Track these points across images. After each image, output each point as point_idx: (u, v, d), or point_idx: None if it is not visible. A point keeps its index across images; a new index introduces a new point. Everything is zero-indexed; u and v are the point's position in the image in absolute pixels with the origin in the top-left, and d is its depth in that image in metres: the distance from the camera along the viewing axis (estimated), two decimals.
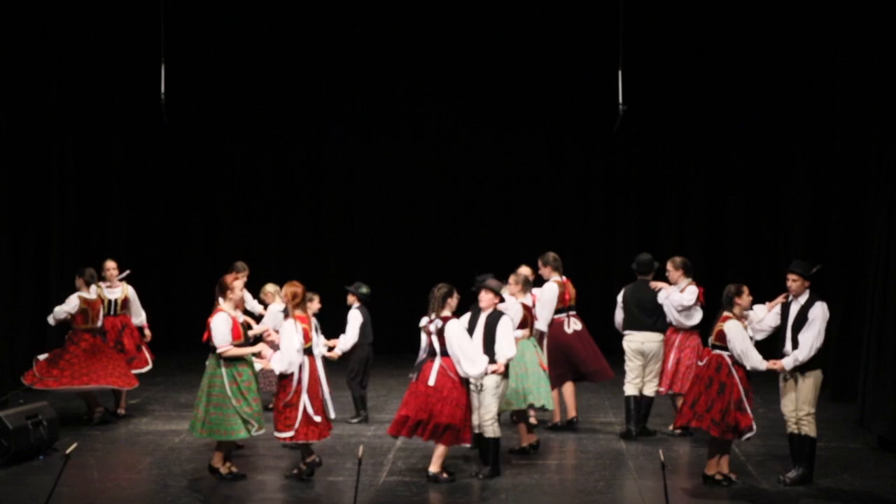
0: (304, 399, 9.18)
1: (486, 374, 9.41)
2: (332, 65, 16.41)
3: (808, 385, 9.36)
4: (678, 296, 11.07)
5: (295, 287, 9.37)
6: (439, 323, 9.36)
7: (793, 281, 9.49)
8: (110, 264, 12.11)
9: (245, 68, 16.34)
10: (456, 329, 9.32)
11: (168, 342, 16.07)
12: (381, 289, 16.12)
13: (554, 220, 16.64)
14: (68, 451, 8.03)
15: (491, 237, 16.11)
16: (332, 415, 9.66)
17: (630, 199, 16.65)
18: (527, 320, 10.64)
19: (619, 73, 12.60)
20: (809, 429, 9.39)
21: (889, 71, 11.42)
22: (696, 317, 11.14)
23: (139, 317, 12.27)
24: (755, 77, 15.35)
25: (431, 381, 9.31)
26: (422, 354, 9.51)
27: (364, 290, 11.78)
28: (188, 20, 15.01)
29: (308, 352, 9.25)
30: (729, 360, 9.32)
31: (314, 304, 11.46)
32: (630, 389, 11.18)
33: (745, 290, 9.46)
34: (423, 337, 9.53)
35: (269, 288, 11.96)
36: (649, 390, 11.21)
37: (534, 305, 11.04)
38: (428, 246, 16.32)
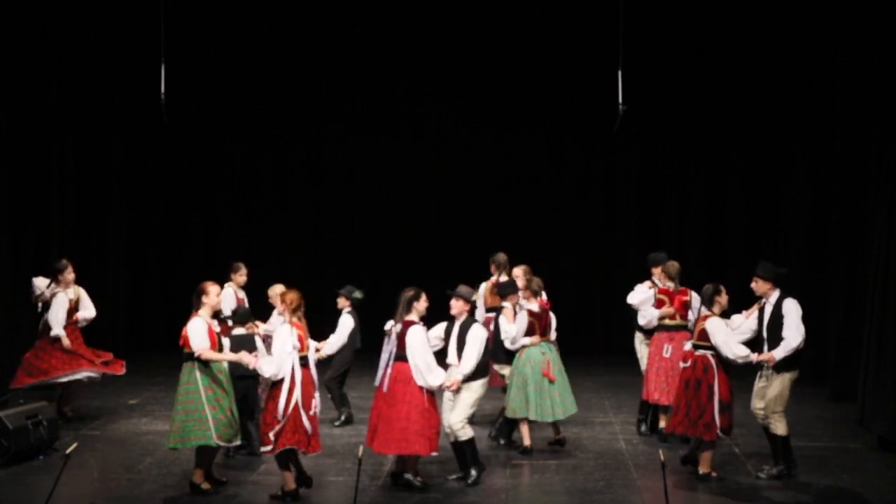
0: (299, 407, 8.85)
1: (442, 387, 9.22)
2: (332, 65, 16.42)
3: (779, 384, 9.45)
4: (637, 294, 11.22)
5: (294, 293, 9.25)
6: (399, 327, 9.27)
7: (754, 282, 9.63)
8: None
9: (245, 68, 16.35)
10: (417, 336, 9.15)
11: (167, 342, 16.04)
12: (380, 289, 16.13)
13: (554, 220, 16.65)
14: (68, 451, 8.04)
15: (491, 237, 16.03)
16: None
17: (630, 199, 16.66)
18: (534, 327, 10.56)
19: (619, 73, 12.60)
20: (777, 426, 9.49)
21: (889, 71, 11.41)
22: (645, 317, 11.09)
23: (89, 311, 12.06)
24: (755, 77, 15.35)
25: (385, 387, 9.19)
26: (383, 358, 9.33)
27: (358, 294, 11.64)
28: (188, 20, 15.01)
29: (303, 361, 9.03)
30: (713, 361, 9.38)
31: None
32: None
33: (724, 289, 9.58)
34: (386, 340, 9.38)
35: (277, 290, 11.81)
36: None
37: (545, 311, 10.87)
38: (428, 246, 16.32)
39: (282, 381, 8.88)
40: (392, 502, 8.99)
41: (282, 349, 8.92)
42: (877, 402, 10.90)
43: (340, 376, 11.77)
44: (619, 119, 12.80)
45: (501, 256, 11.74)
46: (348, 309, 11.63)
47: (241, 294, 12.32)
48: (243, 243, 16.26)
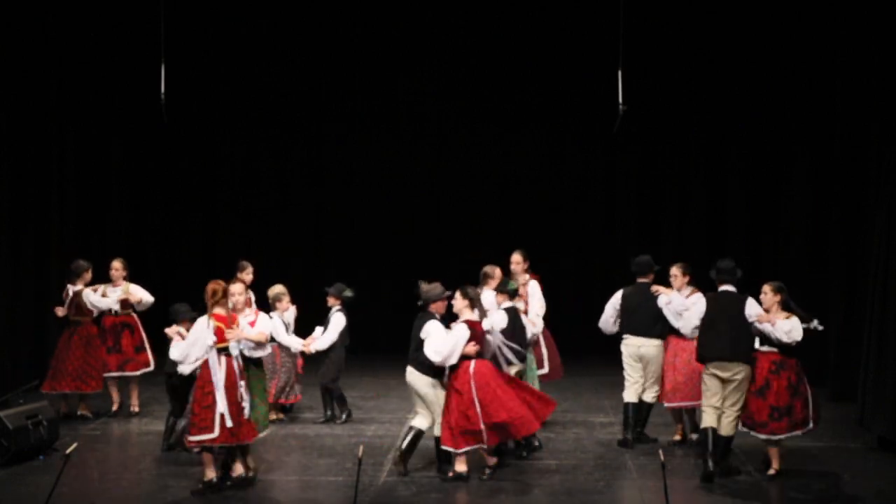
0: (220, 400, 8.90)
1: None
2: (332, 65, 16.43)
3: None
4: (680, 300, 10.61)
5: (215, 285, 9.20)
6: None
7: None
8: (116, 264, 12.15)
9: (245, 68, 16.36)
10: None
11: (167, 342, 16.05)
12: (381, 288, 16.18)
13: (554, 220, 16.65)
14: (68, 451, 8.06)
15: (491, 237, 16.08)
16: (247, 414, 9.22)
17: (630, 199, 16.66)
18: None
19: (619, 73, 12.60)
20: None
21: (889, 71, 11.41)
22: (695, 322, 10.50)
23: (143, 300, 12.34)
24: (755, 77, 15.35)
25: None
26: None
27: (348, 293, 11.65)
28: (188, 20, 15.01)
29: (224, 351, 9.02)
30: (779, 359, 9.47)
31: (284, 304, 11.44)
32: (629, 396, 10.85)
33: (766, 287, 9.63)
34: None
35: (276, 290, 11.82)
36: (649, 396, 10.86)
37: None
38: (428, 246, 16.32)
39: (199, 375, 9.01)
40: (392, 502, 8.99)
41: (192, 339, 9.05)
42: (877, 402, 10.90)
43: (338, 376, 11.75)
44: (619, 119, 12.81)
45: (488, 269, 11.18)
46: (338, 307, 11.62)
47: (248, 293, 12.34)
48: (243, 243, 16.26)
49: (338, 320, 11.57)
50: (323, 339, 11.53)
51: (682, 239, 16.19)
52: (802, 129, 14.47)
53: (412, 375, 9.64)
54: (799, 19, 14.15)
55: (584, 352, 15.75)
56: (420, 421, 9.74)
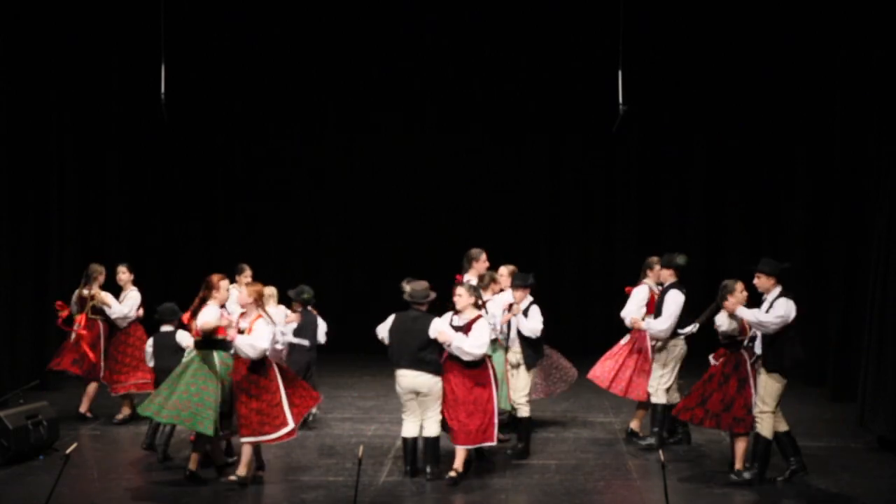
0: None
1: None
2: (331, 66, 16.43)
3: (764, 382, 9.38)
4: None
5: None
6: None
7: (757, 279, 9.55)
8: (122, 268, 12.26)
9: (245, 68, 16.36)
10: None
11: None
12: (380, 289, 16.17)
13: (554, 220, 16.65)
14: (68, 451, 8.06)
15: (491, 238, 16.03)
16: None
17: (630, 199, 16.66)
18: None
19: (619, 73, 12.61)
20: (762, 427, 9.37)
21: (889, 71, 11.41)
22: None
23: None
24: (755, 76, 15.36)
25: None
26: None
27: (306, 295, 11.45)
28: (188, 20, 15.01)
29: None
30: (746, 356, 9.42)
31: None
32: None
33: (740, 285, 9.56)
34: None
35: (267, 291, 11.72)
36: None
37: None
38: (428, 246, 16.30)
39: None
40: (392, 502, 9.00)
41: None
42: (877, 402, 10.91)
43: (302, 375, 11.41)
44: (619, 119, 12.81)
45: (473, 251, 11.38)
46: (300, 310, 11.46)
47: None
48: (243, 243, 16.25)
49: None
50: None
51: (683, 239, 16.17)
52: (802, 129, 14.47)
53: (421, 378, 9.51)
54: (799, 19, 14.16)
55: (583, 352, 15.75)
56: (415, 428, 9.65)
